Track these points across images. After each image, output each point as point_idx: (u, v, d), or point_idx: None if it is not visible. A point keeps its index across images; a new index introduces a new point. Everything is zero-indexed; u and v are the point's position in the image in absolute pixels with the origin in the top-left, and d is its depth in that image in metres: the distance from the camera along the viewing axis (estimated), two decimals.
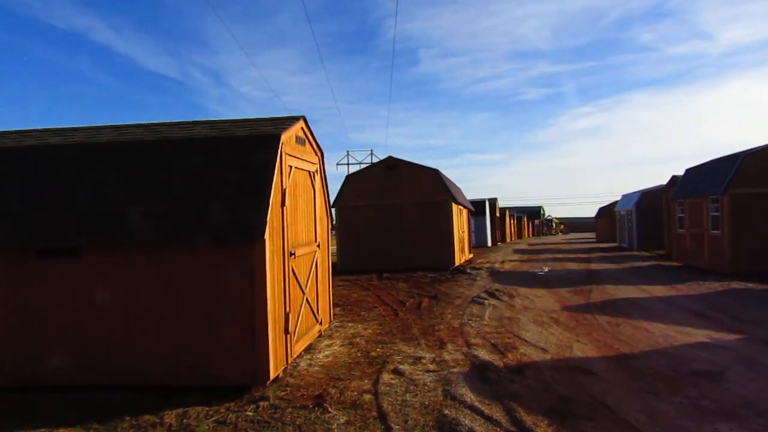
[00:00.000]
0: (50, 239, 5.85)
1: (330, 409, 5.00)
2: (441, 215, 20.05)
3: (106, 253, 5.83)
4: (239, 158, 6.02)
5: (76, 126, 7.49)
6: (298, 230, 6.95)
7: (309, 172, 7.56)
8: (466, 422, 4.63)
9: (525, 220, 69.69)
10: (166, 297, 5.72)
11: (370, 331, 8.64)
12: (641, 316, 9.83)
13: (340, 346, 7.63)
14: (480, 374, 6.08)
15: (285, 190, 6.29)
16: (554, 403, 5.15)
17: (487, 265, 21.81)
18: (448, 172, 23.11)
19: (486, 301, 11.48)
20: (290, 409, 5.04)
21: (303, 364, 6.60)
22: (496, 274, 17.88)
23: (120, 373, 5.74)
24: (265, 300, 5.58)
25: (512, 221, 56.09)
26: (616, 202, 38.87)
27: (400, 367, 6.40)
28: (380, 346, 7.58)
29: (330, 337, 8.17)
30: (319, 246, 7.94)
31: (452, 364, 6.52)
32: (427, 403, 5.17)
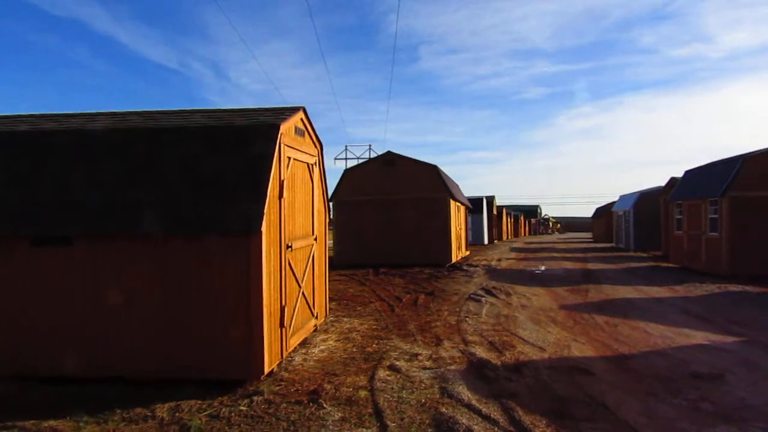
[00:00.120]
0: (43, 227, 5.73)
1: (325, 405, 4.91)
2: (439, 212, 19.96)
3: (99, 242, 5.71)
4: (237, 148, 5.91)
5: (71, 112, 7.35)
6: (296, 223, 6.85)
7: (308, 164, 7.45)
8: (464, 421, 4.55)
9: (522, 218, 69.68)
10: (160, 288, 5.61)
11: (366, 326, 8.56)
12: (639, 316, 9.77)
13: (336, 341, 7.55)
14: (477, 372, 6.01)
15: (283, 181, 6.19)
16: (552, 402, 5.07)
17: (484, 262, 21.75)
18: (446, 169, 23.01)
19: (483, 299, 11.41)
20: (284, 404, 4.95)
21: (298, 359, 6.51)
22: (492, 272, 17.82)
23: (112, 366, 5.63)
24: (261, 293, 5.49)
25: (509, 219, 56.08)
26: (614, 202, 38.88)
27: (397, 363, 6.32)
28: (376, 341, 7.49)
29: (325, 331, 8.08)
30: (316, 239, 7.84)
31: (449, 361, 6.44)
32: (423, 400, 5.09)
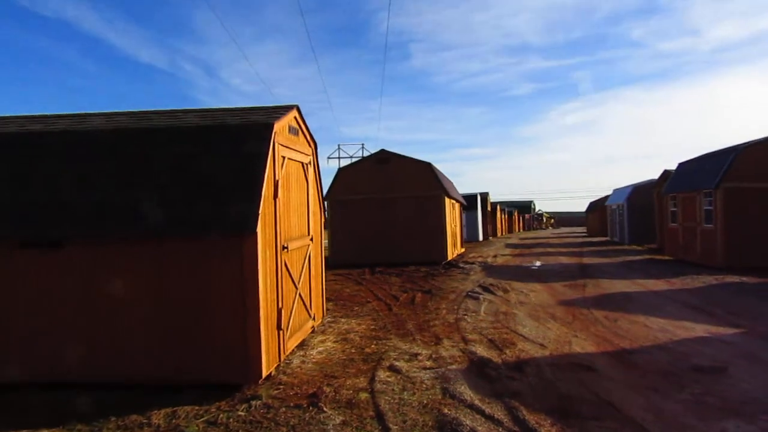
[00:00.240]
0: (38, 230, 5.59)
1: (325, 409, 4.81)
2: (433, 209, 19.87)
3: (91, 245, 5.58)
4: (231, 148, 5.79)
5: (60, 113, 7.20)
6: (291, 223, 6.74)
7: (302, 163, 7.34)
8: (467, 422, 4.46)
9: (516, 214, 69.74)
10: (154, 291, 5.49)
11: (363, 326, 8.46)
12: (638, 310, 9.73)
13: (334, 342, 7.44)
14: (479, 371, 5.92)
15: (278, 181, 6.08)
16: (556, 401, 5.00)
17: (480, 259, 21.70)
18: (439, 166, 22.94)
19: (481, 296, 11.33)
20: (284, 409, 4.85)
21: (296, 361, 6.40)
22: (489, 269, 17.76)
23: (106, 371, 5.51)
24: (257, 295, 5.38)
25: (503, 216, 56.06)
26: (607, 196, 38.91)
27: (396, 364, 6.22)
28: (375, 342, 7.40)
29: (323, 332, 7.98)
30: (312, 239, 7.73)
31: (449, 360, 6.36)
32: (425, 401, 5.00)
